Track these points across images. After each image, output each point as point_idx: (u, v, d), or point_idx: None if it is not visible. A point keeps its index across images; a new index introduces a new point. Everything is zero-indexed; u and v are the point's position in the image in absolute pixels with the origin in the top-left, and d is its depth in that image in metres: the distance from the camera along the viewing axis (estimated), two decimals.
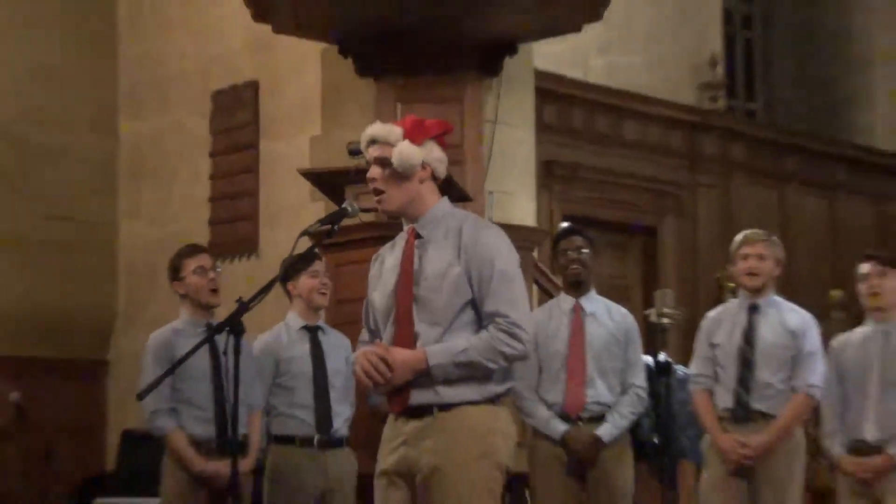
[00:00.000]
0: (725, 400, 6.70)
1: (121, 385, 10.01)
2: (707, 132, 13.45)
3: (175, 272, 6.52)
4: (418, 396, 4.59)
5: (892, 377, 6.43)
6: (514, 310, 4.59)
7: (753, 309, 6.80)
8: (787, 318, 6.77)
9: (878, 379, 6.47)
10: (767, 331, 6.73)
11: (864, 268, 6.64)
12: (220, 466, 6.06)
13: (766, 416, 6.63)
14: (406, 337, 4.62)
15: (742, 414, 6.66)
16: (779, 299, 6.87)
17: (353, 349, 5.03)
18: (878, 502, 6.43)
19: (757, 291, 6.81)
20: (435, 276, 4.62)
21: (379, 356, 4.48)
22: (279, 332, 6.79)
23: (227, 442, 6.01)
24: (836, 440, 6.59)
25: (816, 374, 6.66)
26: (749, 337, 6.73)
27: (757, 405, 6.64)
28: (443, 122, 4.94)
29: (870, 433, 6.45)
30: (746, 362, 6.68)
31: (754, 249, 6.83)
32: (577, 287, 7.06)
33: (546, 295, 8.24)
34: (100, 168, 10.74)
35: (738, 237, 7.00)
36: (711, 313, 7.08)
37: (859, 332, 6.71)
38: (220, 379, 6.26)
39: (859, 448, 6.47)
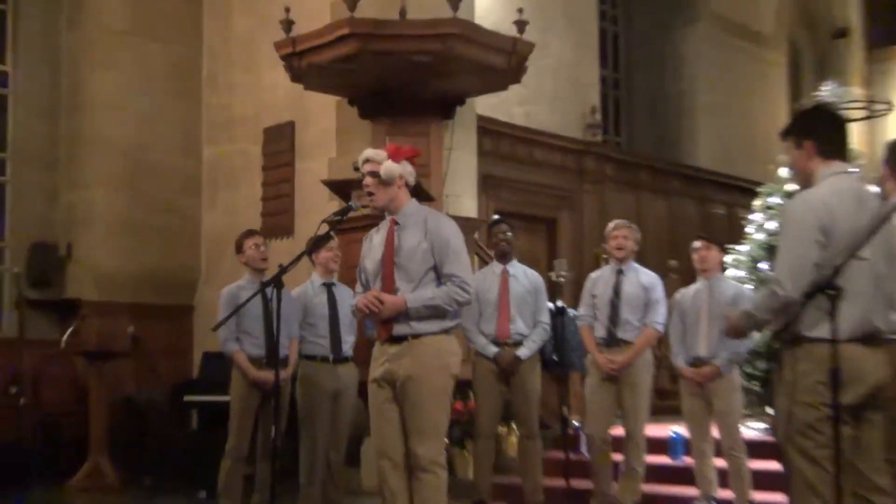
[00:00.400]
0: (601, 332, 6.75)
1: (202, 322, 9.97)
2: (589, 156, 13.42)
3: (238, 248, 6.63)
4: (398, 329, 4.68)
5: (715, 315, 6.44)
6: (463, 272, 4.71)
7: (620, 272, 6.83)
8: (641, 277, 6.83)
9: (706, 316, 6.55)
10: (629, 286, 6.77)
11: (696, 244, 6.76)
12: (268, 375, 6.10)
13: (627, 343, 6.68)
14: (389, 289, 4.71)
15: (612, 341, 6.71)
16: (636, 265, 6.89)
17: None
18: (708, 399, 6.50)
19: (622, 261, 6.81)
20: (410, 250, 4.71)
21: (374, 295, 4.61)
22: (307, 287, 6.77)
23: (273, 359, 6.04)
24: (680, 357, 6.67)
25: (660, 315, 6.76)
26: (617, 290, 6.78)
27: (621, 335, 6.70)
28: (414, 149, 5.07)
29: (702, 351, 6.53)
30: (615, 307, 6.74)
31: (621, 233, 6.87)
32: (504, 257, 7.07)
33: (483, 262, 8.20)
34: (189, 178, 10.66)
35: (611, 224, 7.02)
36: (592, 275, 7.12)
37: (693, 286, 6.81)
38: (269, 318, 6.30)
39: (695, 362, 6.54)
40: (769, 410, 6.63)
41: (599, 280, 6.94)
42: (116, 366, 9.06)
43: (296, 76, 8.35)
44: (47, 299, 9.90)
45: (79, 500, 8.07)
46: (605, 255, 7.12)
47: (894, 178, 4.13)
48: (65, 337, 8.98)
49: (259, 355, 6.36)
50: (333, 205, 8.16)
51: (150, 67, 10.44)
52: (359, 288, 4.94)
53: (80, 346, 8.87)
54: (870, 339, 3.66)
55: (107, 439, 8.72)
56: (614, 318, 6.73)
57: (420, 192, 5.10)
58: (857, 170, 4.01)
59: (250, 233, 6.70)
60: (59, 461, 8.85)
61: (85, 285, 9.90)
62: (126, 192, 10.18)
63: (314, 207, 9.01)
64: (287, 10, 8.15)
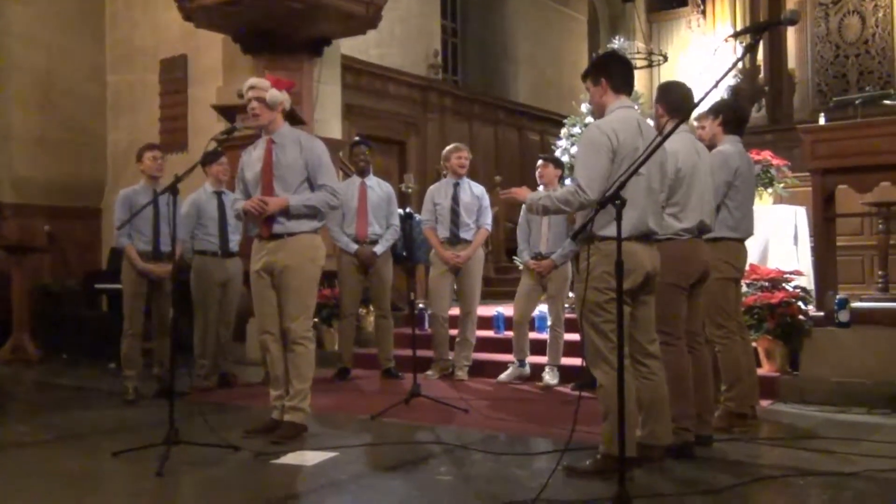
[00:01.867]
0: (444, 233, 6.81)
1: (109, 222, 9.52)
2: (432, 91, 13.34)
3: (139, 157, 6.32)
4: (276, 228, 4.64)
5: (553, 220, 6.47)
6: (333, 183, 4.71)
7: (456, 185, 6.85)
8: (473, 189, 6.91)
9: (546, 221, 6.52)
10: (464, 195, 6.83)
11: (539, 164, 6.69)
12: (154, 267, 6.08)
13: (466, 241, 6.75)
14: (269, 196, 4.64)
15: (454, 240, 6.77)
16: (467, 178, 6.93)
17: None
18: (543, 285, 6.57)
19: (461, 176, 6.83)
20: (288, 166, 4.65)
21: (260, 199, 4.59)
22: (200, 193, 6.58)
23: (159, 253, 6.06)
24: (525, 252, 6.67)
25: (489, 218, 6.86)
26: (455, 199, 6.81)
27: (462, 235, 6.78)
28: (291, 82, 5.03)
29: (543, 248, 6.55)
30: (455, 213, 6.77)
31: (462, 153, 6.97)
32: (362, 172, 7.01)
33: (346, 176, 8.13)
34: (96, 102, 10.10)
35: (450, 147, 7.06)
36: (432, 187, 7.11)
37: (536, 194, 6.72)
38: (157, 220, 6.09)
39: (536, 256, 6.57)
40: (571, 294, 6.83)
41: (439, 191, 6.95)
42: (35, 258, 8.75)
43: (187, 16, 8.05)
44: None
45: (4, 371, 7.75)
46: (444, 171, 7.12)
47: (667, 114, 4.24)
48: None
49: (147, 250, 6.11)
50: (220, 125, 7.95)
51: (60, 4, 9.80)
52: (238, 195, 4.86)
53: (2, 241, 8.55)
54: (644, 237, 3.79)
55: (28, 320, 8.48)
56: (456, 221, 6.79)
57: (294, 117, 5.03)
58: (637, 106, 4.12)
59: (151, 146, 6.38)
60: None
61: (4, 190, 9.36)
62: (40, 112, 9.59)
63: (204, 127, 8.73)
64: None
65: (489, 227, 6.89)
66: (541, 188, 6.70)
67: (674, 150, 4.04)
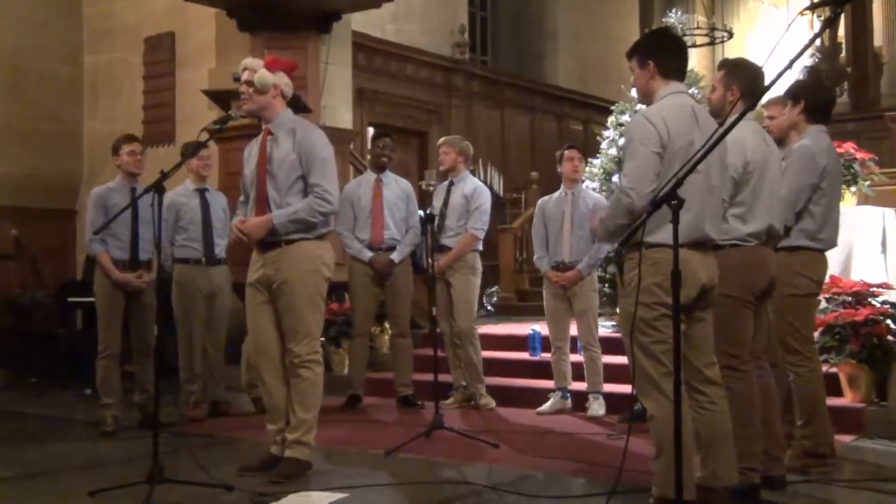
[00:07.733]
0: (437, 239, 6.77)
1: (84, 225, 9.66)
2: (457, 73, 13.40)
3: (115, 151, 6.36)
4: (273, 236, 4.68)
5: (577, 221, 6.49)
6: (326, 181, 4.68)
7: (451, 184, 6.96)
8: (465, 188, 6.89)
9: (569, 223, 6.53)
10: (455, 196, 6.85)
11: (571, 153, 6.65)
12: (130, 277, 6.12)
13: (449, 249, 6.79)
14: (262, 197, 4.73)
15: (437, 247, 6.70)
16: (468, 176, 7.01)
17: (233, 205, 5.20)
18: (569, 300, 6.53)
19: (448, 173, 6.97)
20: (279, 161, 4.69)
21: (238, 229, 4.68)
22: (179, 192, 6.60)
23: (137, 262, 6.12)
24: (544, 261, 6.65)
25: (479, 221, 6.81)
26: (446, 201, 6.87)
27: (443, 242, 6.81)
28: (292, 62, 4.99)
29: (565, 256, 6.52)
30: (443, 216, 6.84)
31: (441, 149, 7.01)
32: (381, 168, 7.04)
33: (357, 171, 8.18)
34: (71, 86, 10.23)
35: (439, 142, 7.09)
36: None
37: (555, 194, 6.76)
38: (136, 223, 6.14)
39: (558, 266, 6.54)
40: (618, 310, 6.79)
41: (437, 193, 6.94)
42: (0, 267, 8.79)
43: None
44: None
45: None
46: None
47: (742, 97, 4.15)
48: None
49: (123, 258, 6.15)
50: (213, 114, 8.04)
51: None
52: (242, 197, 4.89)
53: None
54: (699, 245, 3.70)
55: None
56: (441, 225, 6.79)
57: (298, 104, 5.05)
58: (697, 90, 4.08)
59: (129, 138, 6.41)
60: None
61: None
62: (7, 98, 9.71)
63: (195, 116, 8.80)
64: None
65: (477, 233, 6.78)
66: (562, 189, 6.69)
67: (740, 139, 3.92)
